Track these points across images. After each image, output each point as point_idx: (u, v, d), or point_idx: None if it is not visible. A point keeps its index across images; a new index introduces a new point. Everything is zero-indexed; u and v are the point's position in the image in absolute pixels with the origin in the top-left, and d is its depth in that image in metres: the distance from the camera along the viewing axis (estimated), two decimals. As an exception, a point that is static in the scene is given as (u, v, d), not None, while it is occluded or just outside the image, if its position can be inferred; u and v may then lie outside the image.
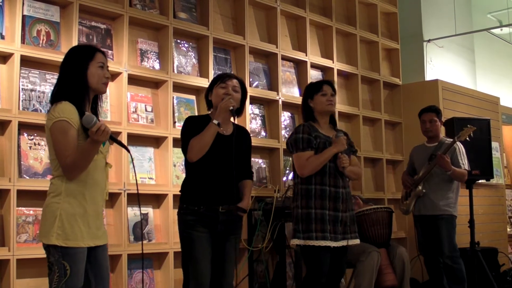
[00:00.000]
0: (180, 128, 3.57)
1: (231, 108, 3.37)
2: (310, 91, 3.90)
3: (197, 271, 3.27)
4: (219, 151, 3.34)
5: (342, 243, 3.67)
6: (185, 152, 3.37)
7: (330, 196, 3.66)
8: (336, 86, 5.72)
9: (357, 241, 3.80)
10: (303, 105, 3.93)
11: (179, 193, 3.49)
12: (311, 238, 3.62)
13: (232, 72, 5.01)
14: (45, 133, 3.74)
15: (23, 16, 3.81)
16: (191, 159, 3.31)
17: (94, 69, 2.74)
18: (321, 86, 3.87)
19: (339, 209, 3.66)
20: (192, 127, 3.37)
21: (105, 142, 2.75)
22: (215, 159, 3.34)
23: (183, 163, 3.65)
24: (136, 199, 4.18)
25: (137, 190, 2.86)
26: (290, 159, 4.57)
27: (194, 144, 3.29)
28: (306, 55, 5.59)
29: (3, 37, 3.72)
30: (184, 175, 3.55)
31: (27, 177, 3.69)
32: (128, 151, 2.81)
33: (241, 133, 3.55)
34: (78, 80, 2.71)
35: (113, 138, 2.73)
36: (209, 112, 3.54)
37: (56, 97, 2.71)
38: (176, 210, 3.47)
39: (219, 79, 3.50)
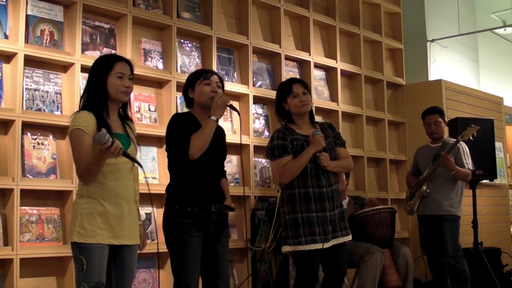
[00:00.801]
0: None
1: (229, 103, 3.32)
2: (282, 94, 3.76)
3: (187, 274, 3.21)
4: (207, 150, 3.25)
5: (333, 242, 3.60)
6: (179, 149, 3.24)
7: (315, 197, 3.57)
8: (339, 86, 5.81)
9: (349, 237, 3.69)
10: (277, 108, 3.79)
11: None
12: (301, 243, 3.54)
13: (234, 71, 5.03)
14: (48, 133, 3.82)
15: (27, 16, 3.81)
16: (193, 156, 3.20)
17: (112, 79, 2.88)
18: (291, 88, 3.71)
19: (326, 209, 3.57)
20: (183, 124, 3.30)
21: (129, 145, 2.92)
22: (204, 158, 3.25)
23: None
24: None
25: (149, 189, 2.87)
26: None
27: (196, 141, 3.20)
28: (310, 55, 5.58)
29: (6, 37, 3.73)
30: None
31: (31, 177, 3.69)
32: (141, 166, 2.87)
33: (221, 131, 3.50)
34: (97, 91, 2.88)
35: (126, 154, 2.79)
36: (189, 109, 3.45)
37: (81, 106, 2.91)
38: None
39: (201, 76, 3.39)
